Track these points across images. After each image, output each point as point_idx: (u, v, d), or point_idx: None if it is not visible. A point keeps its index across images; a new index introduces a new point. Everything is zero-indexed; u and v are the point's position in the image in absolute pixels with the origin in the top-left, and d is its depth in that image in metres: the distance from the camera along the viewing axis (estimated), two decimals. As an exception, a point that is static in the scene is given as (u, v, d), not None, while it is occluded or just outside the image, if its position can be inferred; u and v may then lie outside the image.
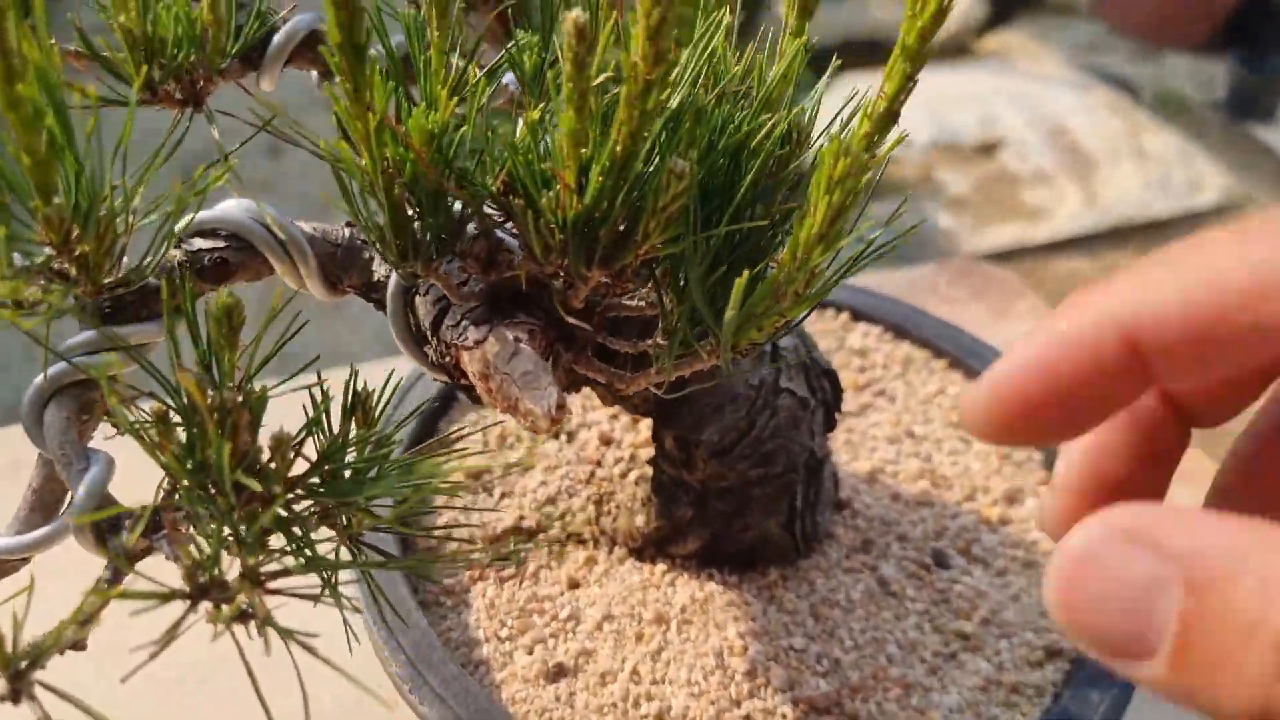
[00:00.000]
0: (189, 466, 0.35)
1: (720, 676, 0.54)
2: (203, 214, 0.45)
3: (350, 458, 0.38)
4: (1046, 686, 0.54)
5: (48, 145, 0.32)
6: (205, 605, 0.33)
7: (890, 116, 0.34)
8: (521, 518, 0.62)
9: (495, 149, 0.37)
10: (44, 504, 0.41)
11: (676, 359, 0.41)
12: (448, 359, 0.43)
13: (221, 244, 0.45)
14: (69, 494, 0.42)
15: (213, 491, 0.35)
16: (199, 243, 0.44)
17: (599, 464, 0.64)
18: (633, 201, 0.35)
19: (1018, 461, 0.66)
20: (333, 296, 0.48)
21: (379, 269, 0.47)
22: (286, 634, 0.32)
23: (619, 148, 0.34)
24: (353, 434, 0.37)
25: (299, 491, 0.36)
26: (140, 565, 0.35)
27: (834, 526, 0.61)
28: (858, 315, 0.76)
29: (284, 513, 0.34)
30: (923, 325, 0.74)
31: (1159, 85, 4.19)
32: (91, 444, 0.41)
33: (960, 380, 0.72)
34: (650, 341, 0.42)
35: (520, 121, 0.37)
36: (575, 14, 0.32)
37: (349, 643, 0.38)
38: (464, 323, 0.42)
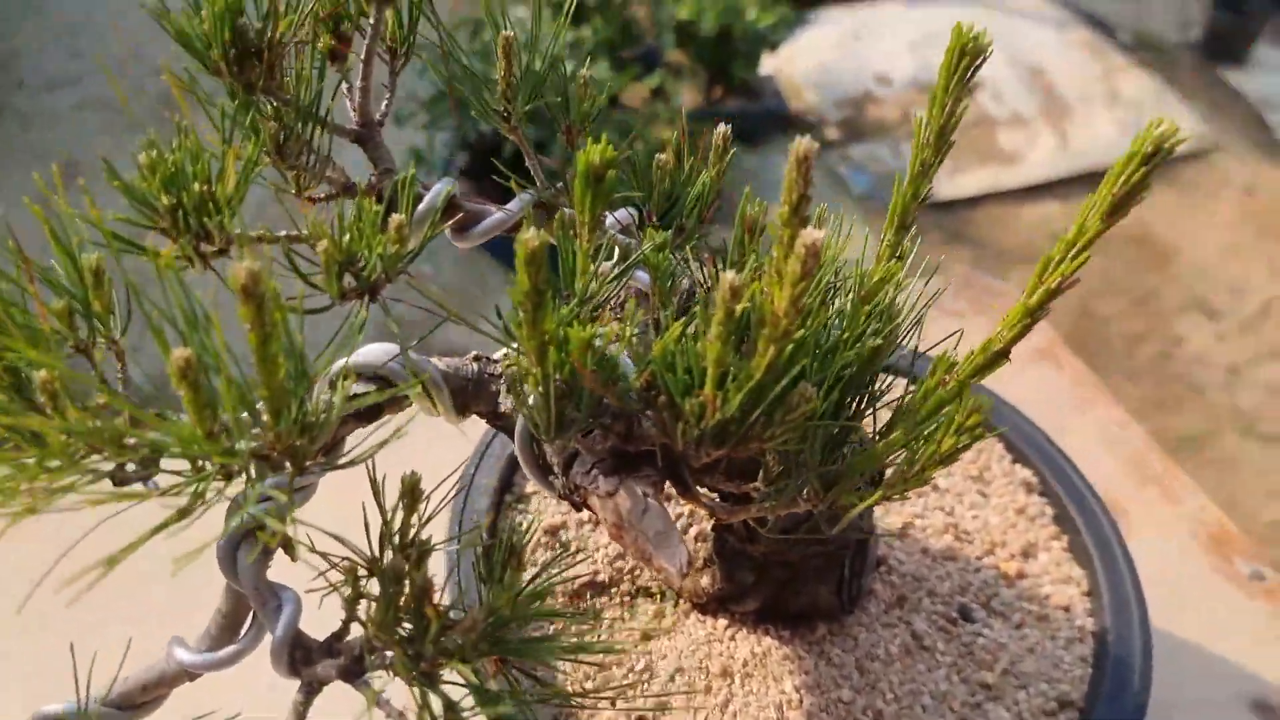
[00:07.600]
0: (382, 620, 0.42)
1: (781, 728, 0.62)
2: (353, 360, 0.50)
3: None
4: (1058, 733, 0.63)
5: (280, 389, 0.38)
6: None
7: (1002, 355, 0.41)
8: (595, 572, 0.69)
9: (639, 354, 0.43)
10: (231, 626, 0.48)
11: (777, 502, 0.49)
12: (576, 496, 0.50)
13: (372, 388, 0.51)
14: (250, 616, 0.49)
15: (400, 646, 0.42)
16: (355, 388, 0.50)
17: (660, 519, 0.72)
18: (765, 412, 0.42)
19: (1031, 516, 0.75)
20: (462, 420, 0.54)
21: (505, 402, 0.53)
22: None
23: (758, 374, 0.40)
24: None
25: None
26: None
27: (873, 583, 0.69)
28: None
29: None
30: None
31: (1138, 24, 4.22)
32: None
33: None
34: (752, 485, 0.49)
35: (650, 330, 0.43)
36: (731, 275, 0.38)
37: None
38: (594, 471, 0.48)
